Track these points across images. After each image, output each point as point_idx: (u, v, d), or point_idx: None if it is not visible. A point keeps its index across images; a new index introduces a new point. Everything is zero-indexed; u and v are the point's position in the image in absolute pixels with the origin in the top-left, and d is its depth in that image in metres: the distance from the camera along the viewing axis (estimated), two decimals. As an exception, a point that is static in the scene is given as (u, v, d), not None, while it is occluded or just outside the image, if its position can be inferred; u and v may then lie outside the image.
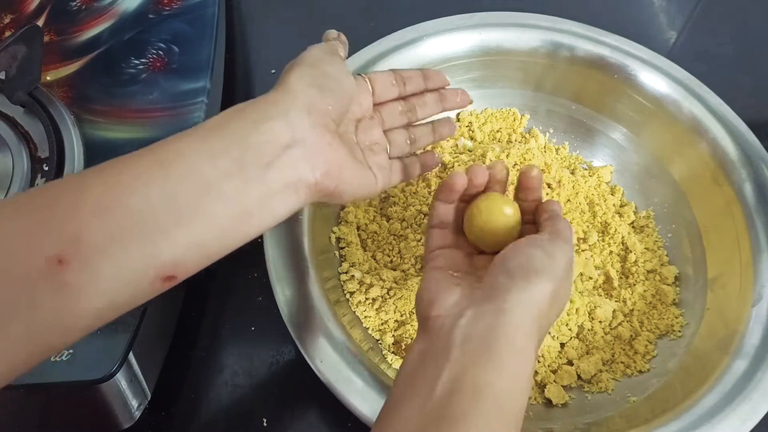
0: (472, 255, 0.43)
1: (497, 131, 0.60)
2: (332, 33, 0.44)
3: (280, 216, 0.35)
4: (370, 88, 0.44)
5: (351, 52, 0.55)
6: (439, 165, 0.49)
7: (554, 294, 0.36)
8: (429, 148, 0.53)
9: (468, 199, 0.43)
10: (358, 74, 0.44)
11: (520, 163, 0.54)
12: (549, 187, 0.53)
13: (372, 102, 0.44)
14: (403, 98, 0.46)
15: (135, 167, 0.31)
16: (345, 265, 0.51)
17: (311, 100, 0.36)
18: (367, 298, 0.49)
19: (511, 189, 0.45)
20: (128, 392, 0.43)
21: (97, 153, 0.48)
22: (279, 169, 0.34)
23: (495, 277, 0.36)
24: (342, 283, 0.50)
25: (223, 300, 0.53)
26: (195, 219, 0.31)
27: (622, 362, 0.49)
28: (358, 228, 0.54)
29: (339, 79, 0.39)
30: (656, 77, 0.56)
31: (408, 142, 0.46)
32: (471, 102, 0.49)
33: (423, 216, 0.54)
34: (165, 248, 0.31)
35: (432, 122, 0.48)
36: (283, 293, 0.44)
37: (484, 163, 0.53)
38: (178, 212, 0.31)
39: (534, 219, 0.43)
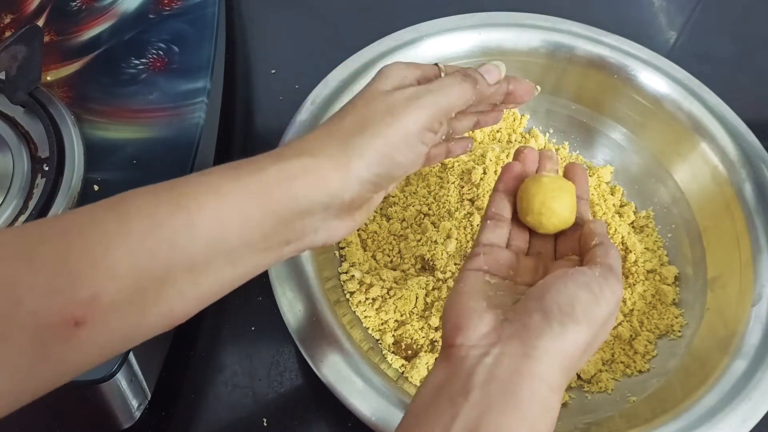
0: (519, 255, 0.40)
1: (497, 131, 0.60)
2: (493, 75, 0.39)
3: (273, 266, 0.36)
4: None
5: (351, 52, 0.56)
6: (470, 149, 0.44)
7: (590, 343, 0.33)
8: None
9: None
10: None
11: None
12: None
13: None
14: None
15: (162, 227, 0.29)
16: (345, 265, 0.51)
17: (361, 194, 0.34)
18: (367, 298, 0.49)
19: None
20: (128, 392, 0.43)
21: (97, 153, 0.48)
22: (297, 245, 0.34)
23: (529, 315, 0.33)
24: (342, 283, 0.50)
25: (223, 300, 0.52)
26: (210, 281, 0.31)
27: (621, 362, 0.49)
28: (358, 228, 0.54)
29: (407, 167, 0.36)
30: (656, 77, 0.56)
31: (443, 135, 0.40)
32: (528, 99, 0.42)
33: (423, 216, 0.54)
34: (177, 306, 0.31)
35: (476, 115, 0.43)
36: (283, 293, 0.44)
37: (484, 163, 0.53)
38: (197, 278, 0.30)
39: (577, 251, 0.40)
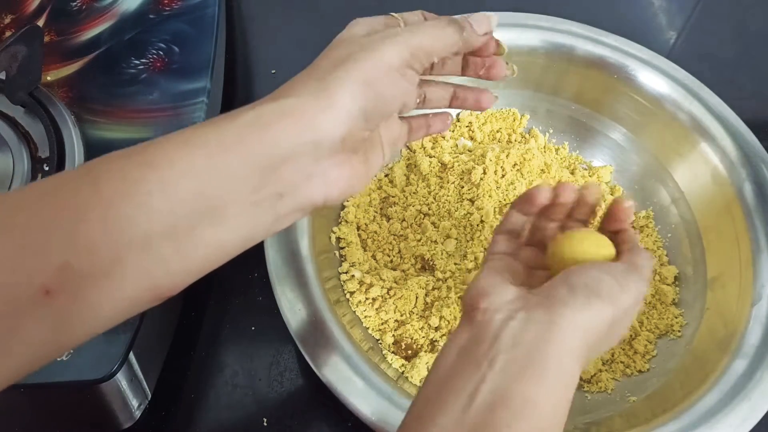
0: (532, 270, 0.40)
1: (497, 131, 0.60)
2: (482, 25, 0.36)
3: (277, 232, 0.33)
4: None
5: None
6: (449, 126, 0.43)
7: (612, 324, 0.33)
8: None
9: (545, 215, 0.40)
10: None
11: (520, 163, 0.54)
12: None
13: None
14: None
15: (137, 191, 0.27)
16: (345, 265, 0.51)
17: (351, 128, 0.32)
18: (367, 298, 0.49)
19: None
20: (128, 392, 0.43)
21: (97, 153, 0.48)
22: (293, 198, 0.31)
23: (555, 288, 0.33)
24: (342, 283, 0.50)
25: (223, 300, 0.53)
26: (196, 247, 0.29)
27: (621, 362, 0.49)
28: (358, 228, 0.54)
29: (393, 102, 0.34)
30: (656, 77, 0.56)
31: (417, 101, 0.39)
32: (502, 77, 0.41)
33: (423, 216, 0.54)
34: (161, 277, 0.28)
35: (452, 83, 0.41)
36: (283, 293, 0.44)
37: (483, 163, 0.53)
38: (179, 242, 0.28)
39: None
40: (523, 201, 0.40)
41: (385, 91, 0.33)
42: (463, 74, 0.41)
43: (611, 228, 0.39)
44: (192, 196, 0.28)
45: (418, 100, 0.39)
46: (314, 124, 0.31)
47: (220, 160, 0.29)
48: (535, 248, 0.41)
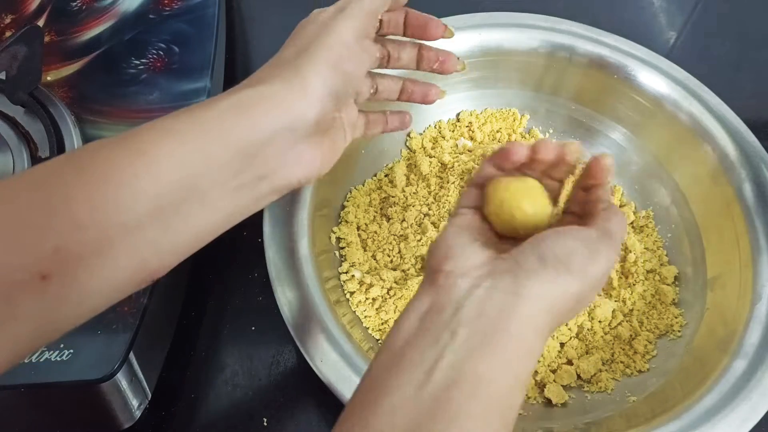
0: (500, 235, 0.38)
1: (497, 131, 0.60)
2: None
3: (256, 210, 0.35)
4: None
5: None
6: (409, 126, 0.47)
7: (578, 297, 0.32)
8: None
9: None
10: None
11: (520, 163, 0.54)
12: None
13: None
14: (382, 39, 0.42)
15: (122, 171, 0.29)
16: (345, 265, 0.51)
17: (323, 112, 0.34)
18: (367, 298, 0.49)
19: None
20: (128, 392, 0.43)
21: (97, 153, 0.48)
22: (271, 179, 0.33)
23: (525, 255, 0.32)
24: (342, 283, 0.50)
25: (223, 300, 0.53)
26: (183, 228, 0.30)
27: (621, 362, 0.49)
28: (358, 228, 0.54)
29: (357, 78, 0.36)
30: (656, 77, 0.56)
31: (371, 90, 0.41)
32: (453, 71, 0.44)
33: (423, 216, 0.54)
34: (151, 258, 0.30)
35: (402, 77, 0.44)
36: (283, 293, 0.44)
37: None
38: (166, 222, 0.30)
39: (581, 211, 0.38)
40: (499, 156, 0.38)
41: (350, 68, 0.35)
42: (417, 68, 0.44)
43: (585, 184, 0.37)
44: (178, 180, 0.30)
45: (371, 91, 0.41)
46: (290, 109, 0.33)
47: (203, 145, 0.31)
48: None
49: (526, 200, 0.36)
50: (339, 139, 0.38)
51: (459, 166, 0.55)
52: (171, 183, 0.30)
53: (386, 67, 0.42)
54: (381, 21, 0.40)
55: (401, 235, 0.53)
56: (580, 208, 0.38)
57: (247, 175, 0.32)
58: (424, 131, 0.59)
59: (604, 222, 0.35)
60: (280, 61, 0.36)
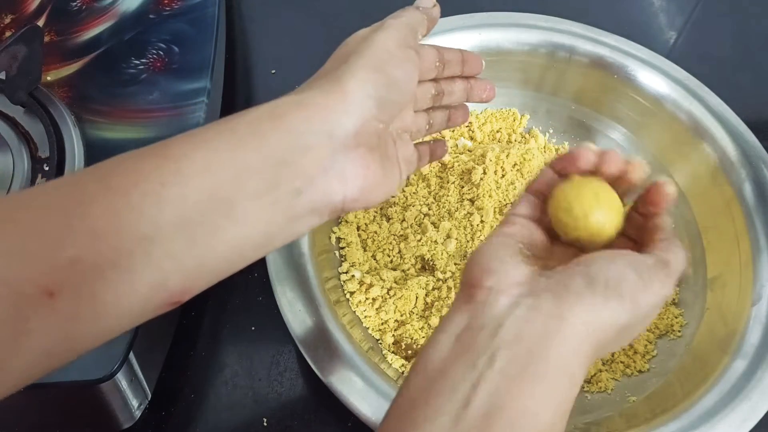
0: (554, 243, 0.35)
1: (497, 131, 0.60)
2: (428, 0, 0.39)
3: (298, 236, 0.32)
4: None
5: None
6: (447, 152, 0.47)
7: (625, 328, 0.30)
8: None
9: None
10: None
11: (520, 163, 0.54)
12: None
13: (417, 83, 0.37)
14: (436, 80, 0.41)
15: (146, 179, 0.27)
16: (345, 265, 0.51)
17: (364, 118, 0.32)
18: (367, 298, 0.49)
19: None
20: (128, 392, 0.43)
21: (97, 153, 0.48)
22: (310, 194, 0.31)
23: (572, 276, 0.29)
24: (342, 283, 0.50)
25: (223, 300, 0.53)
26: (210, 243, 0.28)
27: (621, 362, 0.49)
28: (358, 228, 0.54)
29: (405, 87, 0.34)
30: (656, 77, 0.56)
31: (427, 127, 0.41)
32: (495, 97, 0.44)
33: (423, 216, 0.54)
34: (173, 275, 0.27)
35: (449, 107, 0.44)
36: (283, 293, 0.44)
37: (484, 163, 0.53)
38: (192, 236, 0.27)
39: (637, 236, 0.35)
40: (564, 160, 0.35)
41: (394, 72, 0.33)
42: (468, 101, 0.44)
43: (644, 211, 0.35)
44: (207, 190, 0.28)
45: (427, 126, 0.42)
46: (327, 113, 0.31)
47: (235, 154, 0.29)
48: None
49: (599, 206, 0.33)
50: (391, 168, 0.36)
51: (459, 166, 0.55)
52: (199, 192, 0.28)
53: (441, 104, 0.42)
54: (443, 64, 0.40)
55: (401, 235, 0.53)
56: (635, 233, 0.35)
57: (282, 189, 0.30)
58: (424, 131, 0.59)
59: (663, 252, 0.32)
60: (319, 75, 0.34)
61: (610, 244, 0.34)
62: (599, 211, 0.33)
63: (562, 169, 0.36)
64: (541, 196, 0.36)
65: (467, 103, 0.45)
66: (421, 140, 0.44)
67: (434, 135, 0.57)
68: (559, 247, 0.35)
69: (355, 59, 0.33)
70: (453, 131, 0.59)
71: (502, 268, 0.30)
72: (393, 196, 0.55)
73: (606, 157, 0.35)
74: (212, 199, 0.28)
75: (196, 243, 0.28)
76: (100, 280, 0.26)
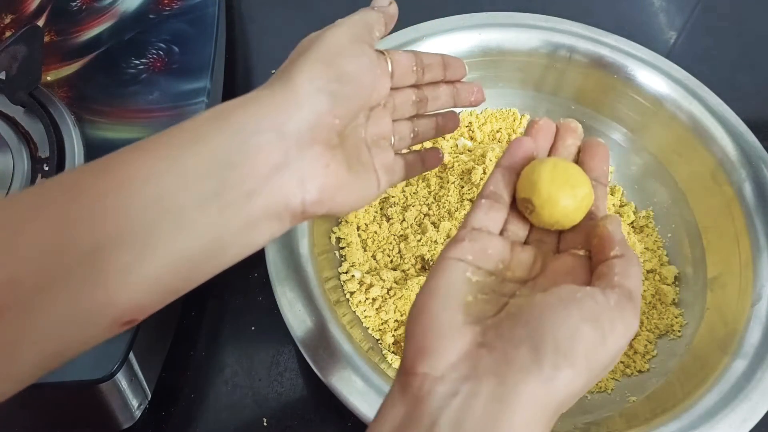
0: (514, 245, 0.33)
1: (497, 131, 0.60)
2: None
3: (259, 245, 0.30)
4: (390, 70, 0.36)
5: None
6: (442, 161, 0.45)
7: (584, 387, 0.27)
8: (429, 143, 0.50)
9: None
10: (380, 51, 0.36)
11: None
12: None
13: (390, 87, 0.36)
14: (417, 86, 0.39)
15: (87, 195, 0.26)
16: (345, 265, 0.51)
17: (317, 113, 0.30)
18: (367, 298, 0.49)
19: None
20: (128, 392, 0.43)
21: (97, 153, 0.48)
22: (263, 197, 0.29)
23: (516, 346, 0.26)
24: (342, 283, 0.50)
25: (223, 300, 0.53)
26: (158, 254, 0.26)
27: (621, 362, 0.49)
28: (358, 228, 0.54)
29: (359, 81, 0.32)
30: (656, 77, 0.56)
31: (411, 135, 0.40)
32: (484, 100, 0.42)
33: (423, 216, 0.54)
34: (122, 291, 0.26)
35: (436, 114, 0.42)
36: (283, 293, 0.44)
37: (484, 163, 0.53)
38: (138, 248, 0.26)
39: (583, 243, 0.33)
40: (508, 154, 0.35)
41: (346, 65, 0.31)
42: (455, 106, 0.42)
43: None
44: (150, 199, 0.26)
45: (412, 135, 0.40)
46: (276, 110, 0.29)
47: (179, 159, 0.27)
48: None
49: (562, 189, 0.32)
50: (365, 176, 0.34)
51: (459, 166, 0.55)
52: (142, 202, 0.26)
53: (427, 111, 0.40)
54: (422, 69, 0.38)
55: (401, 235, 0.53)
56: (583, 241, 0.33)
57: (231, 192, 0.28)
58: (424, 131, 0.59)
59: (623, 278, 0.29)
60: (272, 77, 0.32)
61: (574, 228, 0.34)
62: (563, 195, 0.32)
63: (508, 163, 0.35)
64: (495, 197, 0.34)
65: (467, 107, 0.44)
66: (409, 149, 0.42)
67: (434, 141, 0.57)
68: (518, 252, 0.33)
69: (305, 55, 0.31)
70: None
71: (438, 343, 0.27)
72: (393, 197, 0.55)
73: (533, 130, 0.36)
74: (157, 208, 0.26)
75: (142, 255, 0.26)
76: (41, 297, 0.24)
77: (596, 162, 0.36)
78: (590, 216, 0.34)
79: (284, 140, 0.29)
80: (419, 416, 0.26)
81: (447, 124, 0.42)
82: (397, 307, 0.49)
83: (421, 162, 0.42)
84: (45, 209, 0.25)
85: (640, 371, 0.49)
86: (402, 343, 0.48)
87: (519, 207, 0.34)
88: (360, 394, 0.41)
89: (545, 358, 0.26)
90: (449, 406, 0.26)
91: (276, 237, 0.31)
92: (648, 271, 0.53)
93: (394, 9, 0.37)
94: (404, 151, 0.41)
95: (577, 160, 0.37)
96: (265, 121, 0.29)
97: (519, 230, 0.34)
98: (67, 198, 0.26)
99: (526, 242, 0.34)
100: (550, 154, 0.37)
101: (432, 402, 0.26)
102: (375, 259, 0.52)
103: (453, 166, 0.55)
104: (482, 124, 0.60)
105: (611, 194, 0.57)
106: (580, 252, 0.32)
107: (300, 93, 0.30)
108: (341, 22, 0.34)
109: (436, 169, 0.56)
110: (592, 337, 0.26)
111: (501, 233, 0.34)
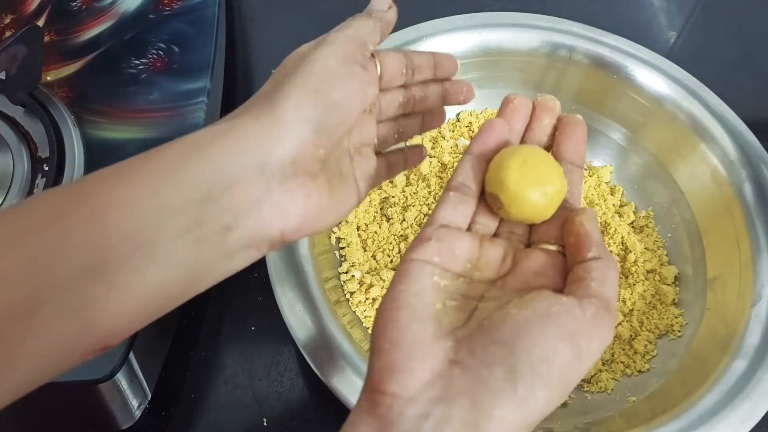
0: (483, 241, 0.32)
1: (497, 131, 0.60)
2: (382, 2, 0.35)
3: (237, 270, 0.29)
4: (379, 73, 0.34)
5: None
6: (425, 159, 0.43)
7: (556, 405, 0.26)
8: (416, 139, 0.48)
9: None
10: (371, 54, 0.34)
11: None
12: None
13: (377, 93, 0.34)
14: (405, 86, 0.37)
15: (63, 223, 0.25)
16: (345, 265, 0.51)
17: (301, 144, 0.28)
18: (367, 298, 0.49)
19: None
20: (128, 392, 0.43)
21: (97, 153, 0.48)
22: (242, 230, 0.28)
23: (490, 367, 0.25)
24: (342, 283, 0.50)
25: (223, 300, 0.53)
26: (133, 286, 0.26)
27: (621, 362, 0.49)
28: (358, 228, 0.54)
29: (347, 108, 0.30)
30: (656, 77, 0.56)
31: (395, 136, 0.38)
32: (473, 98, 0.40)
33: (423, 216, 0.54)
34: (97, 321, 0.25)
35: (422, 112, 0.40)
36: (283, 294, 0.44)
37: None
38: (113, 279, 0.25)
39: (557, 239, 0.31)
40: (479, 139, 0.33)
41: (336, 95, 0.30)
42: (445, 104, 0.40)
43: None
44: (124, 231, 0.26)
45: (396, 135, 0.38)
46: (258, 142, 0.28)
47: (154, 189, 0.26)
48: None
49: (534, 189, 0.31)
50: (345, 189, 0.33)
51: (459, 166, 0.54)
52: (116, 233, 0.25)
53: (413, 110, 0.38)
54: (412, 70, 0.36)
55: (401, 235, 0.53)
56: (555, 234, 0.31)
57: (208, 226, 0.27)
58: (424, 131, 0.59)
59: (600, 285, 0.27)
60: (254, 98, 0.31)
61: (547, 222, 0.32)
62: (532, 192, 0.31)
63: (480, 149, 0.33)
64: (464, 188, 0.33)
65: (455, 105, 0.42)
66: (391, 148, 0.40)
67: (434, 141, 0.57)
68: (487, 248, 0.31)
69: (291, 80, 0.29)
70: (453, 131, 0.59)
71: (409, 362, 0.26)
72: (393, 197, 0.55)
73: (508, 110, 0.34)
74: (133, 239, 0.26)
75: (117, 286, 0.25)
76: (10, 332, 0.24)
77: (572, 143, 0.34)
78: (564, 205, 0.32)
79: (265, 174, 0.28)
80: None
81: (433, 121, 0.40)
82: (397, 307, 0.49)
83: (403, 161, 0.40)
84: (18, 238, 0.25)
85: (640, 371, 0.49)
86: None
87: (487, 200, 0.33)
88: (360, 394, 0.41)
89: (520, 380, 0.25)
90: (420, 429, 0.25)
91: (254, 261, 0.30)
92: (648, 271, 0.53)
93: (392, 14, 0.35)
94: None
95: (552, 142, 0.35)
96: (246, 156, 0.28)
97: (488, 222, 0.33)
98: (42, 225, 0.25)
99: (495, 234, 0.33)
100: (525, 134, 0.35)
101: (402, 425, 0.25)
102: (375, 259, 0.52)
103: (453, 166, 0.55)
104: (482, 125, 0.59)
105: (611, 194, 0.57)
106: (552, 247, 0.31)
107: (284, 124, 0.28)
108: (332, 39, 0.31)
109: (436, 169, 0.56)
110: (569, 356, 0.25)
111: (469, 227, 0.32)
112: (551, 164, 0.32)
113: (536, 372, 0.25)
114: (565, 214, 0.31)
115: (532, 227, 0.33)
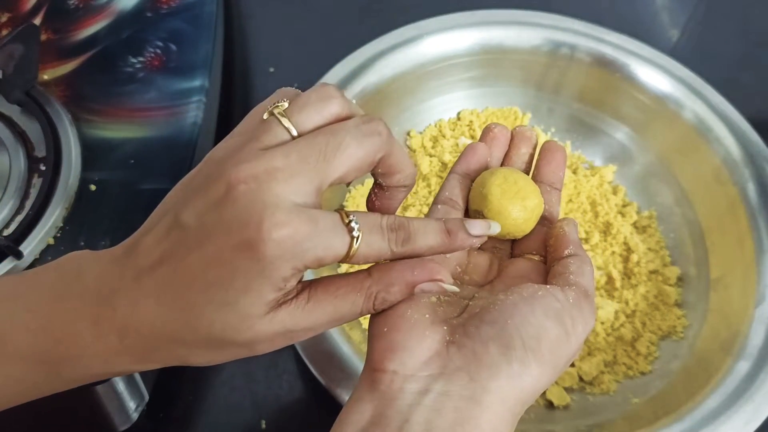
0: (472, 252, 0.34)
1: (498, 130, 0.60)
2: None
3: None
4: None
5: (350, 50, 0.55)
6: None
7: (548, 383, 0.28)
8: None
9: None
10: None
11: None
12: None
13: None
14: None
15: None
16: (345, 266, 0.51)
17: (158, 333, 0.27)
18: (366, 299, 0.49)
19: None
20: (125, 394, 0.43)
21: (94, 152, 0.48)
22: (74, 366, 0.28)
23: (484, 343, 0.27)
24: (341, 283, 0.50)
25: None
26: None
27: (624, 363, 0.49)
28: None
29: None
30: (659, 76, 0.56)
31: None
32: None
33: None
34: None
35: None
36: (281, 294, 0.44)
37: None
38: None
39: (539, 249, 0.34)
40: (463, 160, 0.35)
41: (264, 348, 0.27)
42: None
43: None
44: None
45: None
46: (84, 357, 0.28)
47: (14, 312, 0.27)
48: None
49: (514, 203, 0.33)
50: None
51: (459, 165, 0.54)
52: None
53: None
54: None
55: (401, 235, 0.53)
56: (537, 246, 0.34)
57: (48, 354, 0.28)
58: (424, 130, 0.59)
59: (577, 277, 0.30)
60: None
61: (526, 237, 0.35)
62: (513, 207, 0.33)
63: (462, 169, 0.35)
64: (451, 203, 0.34)
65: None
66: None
67: (434, 141, 0.57)
68: (474, 256, 0.33)
69: (213, 319, 0.26)
70: (453, 130, 0.59)
71: (408, 341, 0.27)
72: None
73: (488, 137, 0.36)
74: None
75: None
76: None
77: (552, 168, 0.36)
78: (542, 222, 0.35)
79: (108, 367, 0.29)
80: (390, 414, 0.26)
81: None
82: (397, 308, 0.49)
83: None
84: None
85: (642, 373, 0.49)
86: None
87: (471, 218, 0.35)
88: (359, 396, 0.41)
89: (514, 354, 0.26)
90: (421, 404, 0.26)
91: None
92: (651, 272, 0.53)
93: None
94: None
95: (531, 167, 0.38)
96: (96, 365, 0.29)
97: None
98: None
99: (482, 247, 0.35)
100: (504, 161, 0.37)
101: (403, 400, 0.26)
102: (375, 260, 0.52)
103: (453, 166, 0.54)
104: (483, 123, 0.59)
105: (614, 194, 0.57)
106: (534, 257, 0.34)
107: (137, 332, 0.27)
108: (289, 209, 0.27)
109: (436, 168, 0.55)
110: (556, 333, 0.27)
111: None
112: (529, 182, 0.35)
113: (528, 346, 0.27)
114: (544, 230, 0.34)
115: (513, 243, 0.35)
